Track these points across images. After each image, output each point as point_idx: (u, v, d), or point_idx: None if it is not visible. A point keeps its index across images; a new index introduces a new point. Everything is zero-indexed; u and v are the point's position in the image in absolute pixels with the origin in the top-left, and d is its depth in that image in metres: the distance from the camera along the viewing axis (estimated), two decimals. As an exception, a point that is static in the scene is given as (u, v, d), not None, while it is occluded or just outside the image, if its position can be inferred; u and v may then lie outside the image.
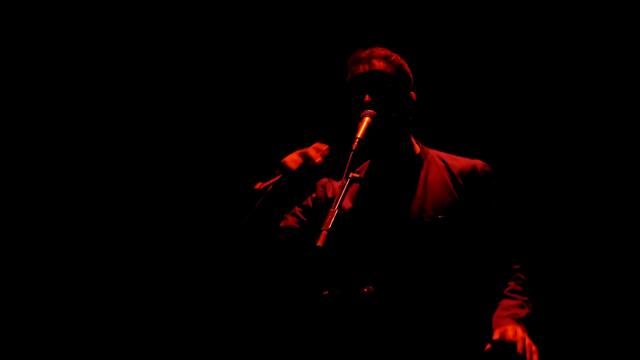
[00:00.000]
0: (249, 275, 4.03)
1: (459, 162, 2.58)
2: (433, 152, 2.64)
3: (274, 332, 3.99)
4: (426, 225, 2.46)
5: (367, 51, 2.57)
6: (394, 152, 2.59)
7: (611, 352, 3.72)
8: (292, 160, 2.42)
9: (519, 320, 2.37)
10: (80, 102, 4.27)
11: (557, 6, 3.90)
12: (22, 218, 4.20)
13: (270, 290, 3.95)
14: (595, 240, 3.80)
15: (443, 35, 4.03)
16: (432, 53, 3.97)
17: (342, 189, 2.34)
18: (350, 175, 2.39)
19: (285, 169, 2.42)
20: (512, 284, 2.48)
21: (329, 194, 2.65)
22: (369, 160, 2.68)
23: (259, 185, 2.41)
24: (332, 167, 2.56)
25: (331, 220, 2.23)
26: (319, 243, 2.18)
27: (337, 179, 2.61)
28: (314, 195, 2.68)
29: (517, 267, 2.51)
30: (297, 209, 2.65)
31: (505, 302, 2.43)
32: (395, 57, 2.58)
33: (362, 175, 2.64)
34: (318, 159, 2.42)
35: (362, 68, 2.53)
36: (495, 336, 2.32)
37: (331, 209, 2.27)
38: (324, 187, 2.68)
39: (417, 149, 2.64)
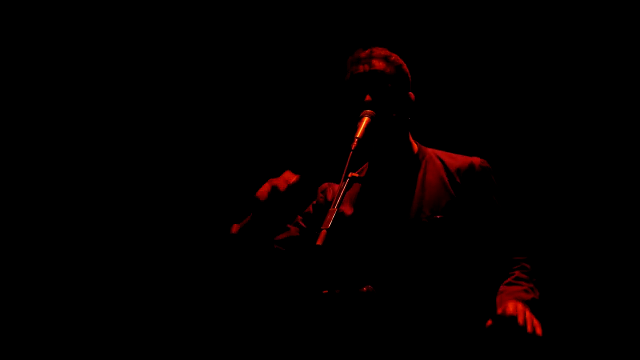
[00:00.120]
0: (248, 276, 4.03)
1: (457, 160, 2.59)
2: (431, 151, 2.65)
3: (273, 331, 3.99)
4: (424, 226, 2.47)
5: (367, 51, 2.57)
6: (392, 152, 2.59)
7: (611, 349, 3.72)
8: (262, 192, 2.39)
9: (522, 300, 2.36)
10: (80, 102, 4.27)
11: (552, 5, 3.90)
12: (22, 218, 4.21)
13: (270, 289, 3.96)
14: (595, 236, 3.80)
15: (441, 35, 4.03)
16: (430, 53, 3.97)
17: (340, 188, 2.35)
18: (349, 175, 2.39)
19: (256, 202, 2.39)
20: (517, 273, 2.47)
21: (329, 197, 2.66)
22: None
23: (234, 230, 2.42)
24: (333, 167, 2.57)
25: (331, 220, 2.24)
26: (319, 242, 2.19)
27: (338, 182, 2.62)
28: (314, 202, 2.69)
29: (521, 258, 2.51)
30: (298, 218, 2.67)
31: (510, 288, 2.42)
32: (394, 57, 2.59)
33: (363, 175, 2.65)
34: (282, 187, 2.39)
35: (362, 68, 2.53)
36: (498, 313, 2.30)
37: (331, 208, 2.27)
38: (324, 191, 2.70)
39: (415, 148, 2.64)
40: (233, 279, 4.09)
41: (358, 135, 2.39)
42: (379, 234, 2.50)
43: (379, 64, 2.54)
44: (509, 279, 2.46)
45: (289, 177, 2.37)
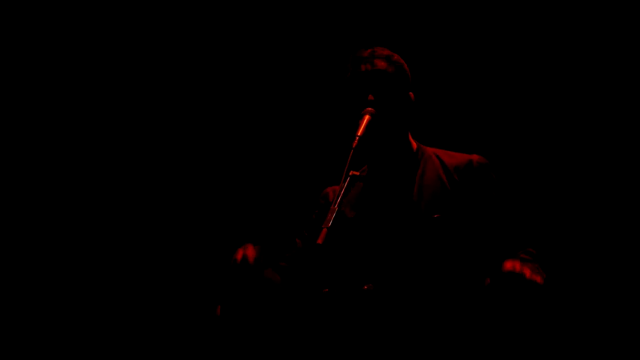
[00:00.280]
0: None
1: (455, 158, 2.59)
2: (430, 150, 2.65)
3: (273, 330, 3.99)
4: (422, 225, 2.47)
5: (369, 50, 2.58)
6: (392, 151, 2.60)
7: (611, 349, 3.72)
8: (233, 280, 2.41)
9: (521, 259, 2.29)
10: (80, 102, 4.27)
11: (550, 5, 3.91)
12: (22, 218, 4.21)
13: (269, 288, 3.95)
14: (595, 233, 3.80)
15: (440, 35, 4.03)
16: (429, 53, 3.98)
17: (341, 187, 2.35)
18: (350, 174, 2.40)
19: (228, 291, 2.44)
20: (520, 253, 2.39)
21: (331, 199, 2.66)
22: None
23: (219, 312, 2.48)
24: (333, 168, 2.57)
25: (331, 218, 2.24)
26: (319, 241, 2.20)
27: (339, 184, 2.63)
28: (317, 211, 2.70)
29: (525, 245, 2.48)
30: (303, 229, 2.69)
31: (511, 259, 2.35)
32: (396, 57, 2.60)
33: (364, 174, 2.66)
34: (248, 266, 2.38)
35: (363, 67, 2.54)
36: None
37: (331, 207, 2.28)
38: (325, 195, 2.71)
39: (415, 147, 2.65)
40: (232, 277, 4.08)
41: (359, 133, 2.40)
42: (377, 233, 2.50)
43: (381, 64, 2.55)
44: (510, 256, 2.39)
45: (250, 253, 2.37)
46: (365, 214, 2.56)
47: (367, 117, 2.45)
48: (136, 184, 4.27)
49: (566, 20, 3.90)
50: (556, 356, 3.66)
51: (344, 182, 2.36)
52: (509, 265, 2.24)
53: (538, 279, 2.22)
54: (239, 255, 2.35)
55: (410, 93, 2.61)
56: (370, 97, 2.50)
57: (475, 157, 2.58)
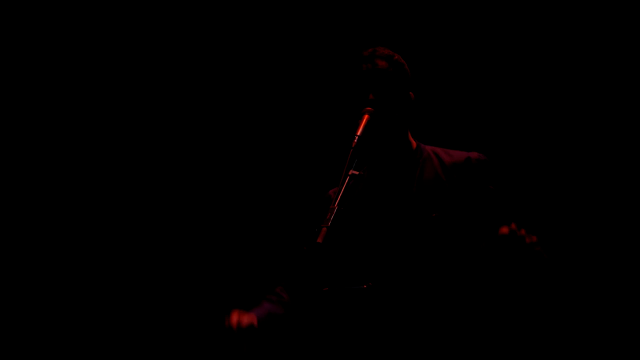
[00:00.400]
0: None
1: (454, 157, 2.60)
2: (429, 149, 2.66)
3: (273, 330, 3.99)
4: (422, 223, 2.48)
5: (370, 50, 2.60)
6: (391, 150, 2.61)
7: (611, 349, 3.72)
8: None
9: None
10: (80, 102, 4.27)
11: (549, 4, 3.91)
12: (22, 218, 4.21)
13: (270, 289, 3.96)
14: (595, 231, 3.81)
15: (439, 35, 4.04)
16: (429, 53, 3.98)
17: (340, 186, 2.36)
18: (349, 173, 2.41)
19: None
20: None
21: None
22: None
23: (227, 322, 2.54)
24: (333, 168, 2.57)
25: (331, 217, 2.25)
26: (319, 240, 2.20)
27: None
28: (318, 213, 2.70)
29: None
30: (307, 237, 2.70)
31: None
32: (397, 57, 2.61)
33: (364, 174, 2.66)
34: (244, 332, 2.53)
35: (364, 67, 2.56)
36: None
37: (331, 206, 2.29)
38: (328, 198, 2.70)
39: (414, 146, 2.66)
40: (231, 276, 4.10)
41: (358, 133, 2.41)
42: (377, 231, 2.51)
43: (381, 63, 2.56)
44: None
45: (243, 320, 2.50)
46: (364, 213, 2.57)
47: (366, 116, 2.46)
48: (138, 188, 4.28)
49: (566, 20, 3.90)
50: (556, 356, 3.66)
51: (344, 181, 2.37)
52: (503, 228, 2.24)
53: (534, 238, 2.22)
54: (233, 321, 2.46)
55: (411, 93, 2.62)
56: (371, 96, 2.51)
57: (474, 155, 2.59)
